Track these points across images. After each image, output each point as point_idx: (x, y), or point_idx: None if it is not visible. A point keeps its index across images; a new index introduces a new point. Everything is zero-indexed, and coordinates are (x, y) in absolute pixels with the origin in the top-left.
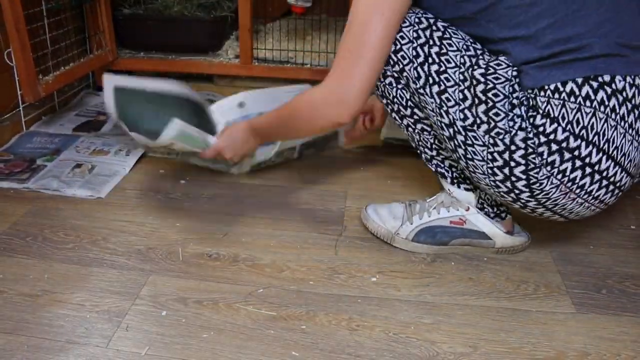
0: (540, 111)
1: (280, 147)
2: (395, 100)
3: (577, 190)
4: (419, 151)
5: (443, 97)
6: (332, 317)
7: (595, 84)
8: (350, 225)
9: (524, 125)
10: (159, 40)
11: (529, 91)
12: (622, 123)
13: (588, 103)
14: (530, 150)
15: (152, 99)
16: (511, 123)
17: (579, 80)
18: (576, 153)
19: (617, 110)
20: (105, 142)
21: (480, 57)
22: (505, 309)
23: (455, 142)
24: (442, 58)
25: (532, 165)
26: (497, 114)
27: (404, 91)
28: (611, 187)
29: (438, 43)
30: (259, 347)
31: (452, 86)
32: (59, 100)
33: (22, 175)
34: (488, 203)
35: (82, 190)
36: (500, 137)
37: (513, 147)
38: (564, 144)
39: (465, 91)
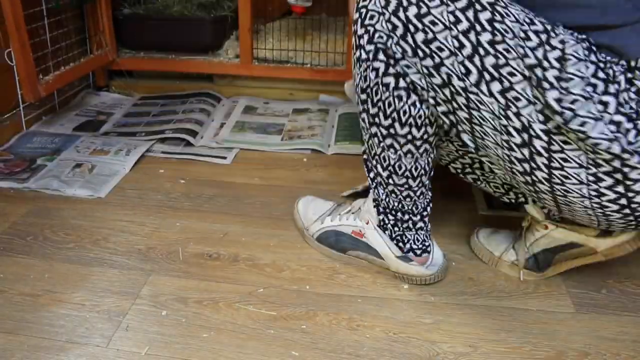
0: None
1: None
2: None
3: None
4: (369, 163)
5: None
6: (332, 317)
7: None
8: None
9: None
10: (159, 40)
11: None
12: None
13: None
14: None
15: None
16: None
17: None
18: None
19: None
20: (105, 142)
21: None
22: (506, 309)
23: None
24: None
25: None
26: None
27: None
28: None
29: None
30: (259, 347)
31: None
32: (59, 100)
33: (22, 175)
34: (401, 232)
35: (82, 190)
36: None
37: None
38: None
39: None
